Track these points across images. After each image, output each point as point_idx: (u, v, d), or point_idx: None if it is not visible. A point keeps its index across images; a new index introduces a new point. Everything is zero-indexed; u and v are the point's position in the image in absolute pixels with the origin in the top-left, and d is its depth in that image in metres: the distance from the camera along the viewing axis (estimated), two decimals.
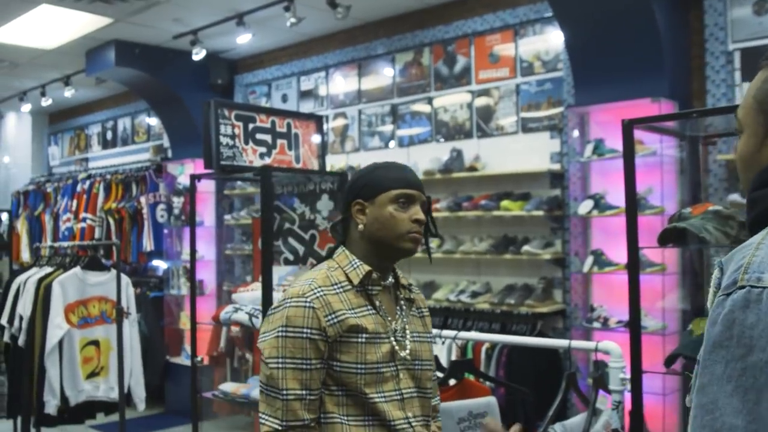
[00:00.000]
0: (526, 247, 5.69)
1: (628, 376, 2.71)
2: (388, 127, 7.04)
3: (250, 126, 3.31)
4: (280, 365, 1.92)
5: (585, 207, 5.33)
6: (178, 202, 7.73)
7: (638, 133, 5.11)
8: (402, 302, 2.13)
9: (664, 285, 5.02)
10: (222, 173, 3.18)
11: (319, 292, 1.97)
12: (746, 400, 1.01)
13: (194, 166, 7.89)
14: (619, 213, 5.18)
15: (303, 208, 3.57)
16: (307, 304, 1.94)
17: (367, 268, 2.03)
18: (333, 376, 1.96)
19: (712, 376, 1.06)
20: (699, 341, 2.58)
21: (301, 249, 3.57)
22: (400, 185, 2.04)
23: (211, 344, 7.08)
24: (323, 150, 3.62)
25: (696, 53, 5.31)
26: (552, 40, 5.98)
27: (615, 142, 5.26)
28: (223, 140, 3.18)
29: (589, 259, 5.33)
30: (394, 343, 2.03)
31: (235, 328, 3.14)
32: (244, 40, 6.73)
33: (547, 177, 5.91)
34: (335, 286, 2.01)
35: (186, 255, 7.76)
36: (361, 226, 2.04)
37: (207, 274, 7.75)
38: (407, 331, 2.08)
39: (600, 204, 5.27)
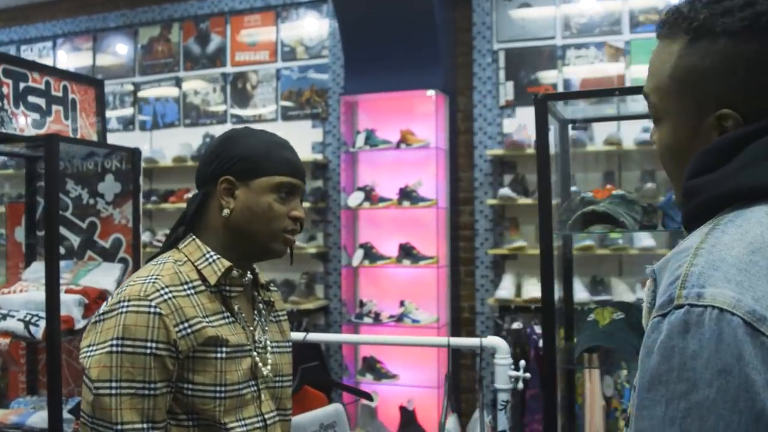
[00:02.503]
0: None
1: (519, 373, 2.53)
2: (127, 110, 6.33)
3: (22, 85, 2.63)
4: (113, 391, 1.43)
5: (355, 199, 5.17)
6: None
7: (410, 125, 5.07)
8: (261, 305, 1.70)
9: (438, 278, 5.01)
10: None
11: (166, 293, 1.49)
12: None
13: None
14: (390, 205, 5.09)
15: (79, 191, 2.95)
16: (152, 310, 1.46)
17: (227, 263, 1.58)
18: (182, 402, 1.50)
19: (651, 419, 0.86)
20: (608, 331, 2.50)
21: (76, 240, 2.94)
22: (287, 171, 1.61)
23: None
24: (104, 122, 3.03)
25: (462, 50, 5.39)
26: (317, 25, 5.74)
27: (386, 132, 5.17)
28: None
29: (359, 253, 5.17)
30: (257, 357, 1.61)
31: (3, 340, 2.47)
32: None
33: (309, 168, 5.67)
34: (186, 286, 1.53)
35: None
36: (226, 211, 1.59)
37: None
38: (268, 342, 1.67)
39: (371, 196, 5.14)
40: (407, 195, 5.05)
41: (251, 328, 1.63)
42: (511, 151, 4.98)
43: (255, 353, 1.61)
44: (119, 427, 1.42)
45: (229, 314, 1.58)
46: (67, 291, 2.62)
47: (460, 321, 5.31)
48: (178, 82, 6.14)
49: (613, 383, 4.28)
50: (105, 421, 1.43)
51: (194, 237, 1.62)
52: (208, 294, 1.56)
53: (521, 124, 5.10)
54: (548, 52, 5.21)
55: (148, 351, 1.44)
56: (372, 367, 5.06)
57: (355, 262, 5.18)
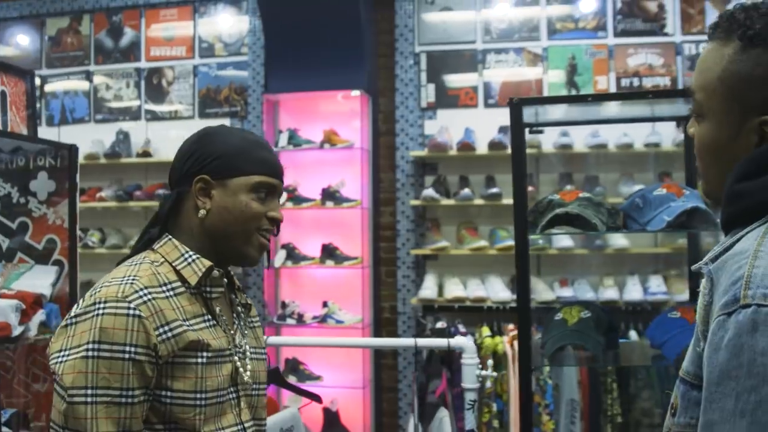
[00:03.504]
0: None
1: (488, 372, 2.56)
2: None
3: None
4: (89, 399, 1.35)
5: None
6: None
7: (333, 125, 5.06)
8: (239, 309, 1.66)
9: (362, 278, 5.02)
10: None
11: (145, 294, 1.42)
12: None
13: None
14: (313, 206, 5.07)
15: (8, 189, 2.80)
16: (131, 312, 1.39)
17: (207, 262, 1.53)
18: (159, 411, 1.43)
19: (722, 411, 0.93)
20: (578, 330, 2.56)
21: (5, 241, 2.80)
22: (265, 171, 1.57)
23: None
24: (35, 115, 2.89)
25: (384, 52, 5.41)
26: (236, 22, 5.64)
27: (308, 132, 5.14)
28: None
29: (281, 254, 5.13)
30: (238, 362, 1.56)
31: None
32: None
33: None
34: (164, 288, 1.48)
35: None
36: (202, 212, 1.54)
37: None
38: (247, 347, 1.63)
39: (294, 196, 5.10)
40: (330, 195, 5.04)
41: (232, 332, 1.58)
42: (435, 152, 5.04)
43: (236, 358, 1.56)
44: None
45: (210, 317, 1.53)
46: (1, 296, 2.50)
47: (381, 321, 5.34)
48: (88, 76, 5.91)
49: (534, 380, 4.40)
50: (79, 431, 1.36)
51: (170, 237, 1.56)
52: (187, 296, 1.51)
53: (443, 126, 5.17)
54: (469, 55, 5.30)
55: (127, 356, 1.37)
56: (295, 368, 5.02)
57: (277, 262, 5.12)
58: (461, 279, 5.05)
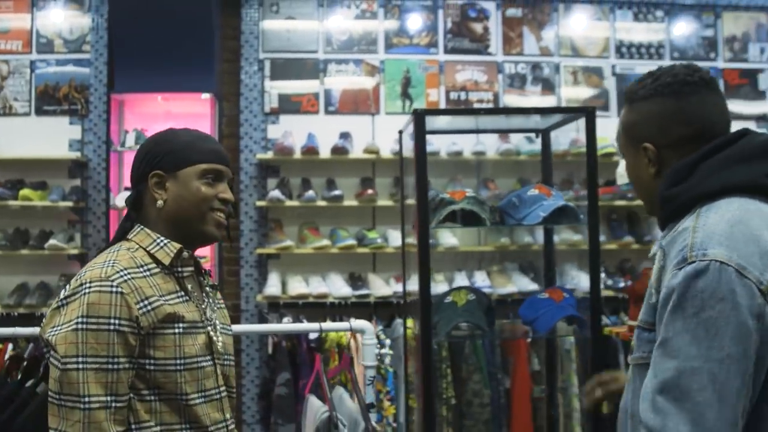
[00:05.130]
0: (52, 242, 5.20)
1: (385, 351, 2.84)
2: None
3: None
4: (80, 366, 1.57)
5: (123, 199, 5.15)
6: None
7: (181, 127, 5.18)
8: (207, 289, 1.89)
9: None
10: None
11: (125, 274, 1.66)
12: (700, 346, 1.34)
13: None
14: None
15: None
16: (114, 289, 1.62)
17: (177, 245, 1.76)
18: (144, 378, 1.66)
19: (674, 330, 1.38)
20: (467, 310, 2.90)
21: None
22: (210, 159, 1.80)
23: None
24: None
25: (228, 57, 5.58)
26: (77, 18, 5.59)
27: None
28: None
29: None
30: (211, 332, 1.80)
31: None
32: None
33: (66, 166, 5.51)
34: (142, 269, 1.71)
35: None
36: (160, 203, 1.77)
37: None
38: (216, 322, 1.87)
39: None
40: None
41: (203, 307, 1.81)
42: (280, 156, 5.28)
43: (209, 329, 1.79)
44: (86, 399, 1.56)
45: (183, 293, 1.76)
46: None
47: None
48: None
49: (375, 369, 4.76)
50: (72, 395, 1.56)
51: (142, 227, 1.78)
52: (162, 275, 1.73)
53: (287, 130, 5.42)
54: (311, 64, 5.59)
55: (112, 327, 1.60)
56: None
57: None
58: (304, 276, 5.31)
